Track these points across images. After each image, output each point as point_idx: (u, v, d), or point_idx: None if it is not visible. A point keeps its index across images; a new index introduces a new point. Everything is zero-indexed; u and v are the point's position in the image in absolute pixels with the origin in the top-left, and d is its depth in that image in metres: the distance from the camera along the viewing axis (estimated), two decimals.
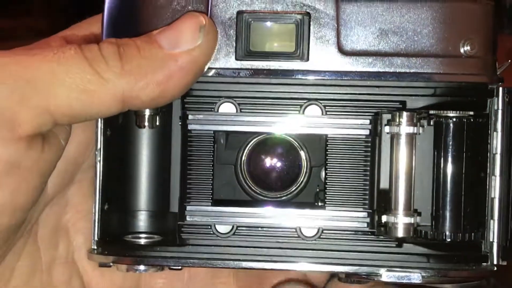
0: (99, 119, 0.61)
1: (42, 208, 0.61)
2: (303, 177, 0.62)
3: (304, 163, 0.62)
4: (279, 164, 0.62)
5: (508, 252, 0.61)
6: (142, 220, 0.62)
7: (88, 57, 0.54)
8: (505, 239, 0.61)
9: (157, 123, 0.60)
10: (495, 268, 0.60)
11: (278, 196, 0.62)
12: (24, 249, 0.60)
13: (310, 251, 0.60)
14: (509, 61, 0.61)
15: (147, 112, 0.60)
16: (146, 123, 0.60)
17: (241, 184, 0.62)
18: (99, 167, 0.61)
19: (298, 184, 0.62)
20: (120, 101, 0.55)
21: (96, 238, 0.61)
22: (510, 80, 0.61)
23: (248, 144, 0.62)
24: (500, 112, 0.60)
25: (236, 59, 0.59)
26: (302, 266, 0.60)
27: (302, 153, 0.61)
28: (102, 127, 0.61)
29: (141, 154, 0.62)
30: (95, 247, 0.61)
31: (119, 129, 0.61)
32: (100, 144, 0.61)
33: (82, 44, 0.55)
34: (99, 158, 0.61)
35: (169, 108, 0.61)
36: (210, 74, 0.58)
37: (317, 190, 0.62)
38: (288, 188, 0.62)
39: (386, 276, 0.59)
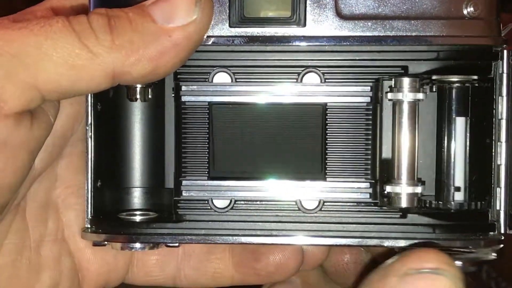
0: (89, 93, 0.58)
1: (30, 183, 0.59)
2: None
3: None
4: None
5: None
6: (137, 196, 0.60)
7: (76, 30, 0.52)
8: None
9: (150, 96, 0.58)
10: (503, 237, 0.58)
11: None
12: (12, 227, 0.58)
13: (311, 224, 0.58)
14: None
15: (139, 85, 0.57)
16: (138, 96, 0.58)
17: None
18: (90, 142, 0.59)
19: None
20: (110, 76, 0.52)
21: (89, 216, 0.59)
22: None
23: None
24: (505, 75, 0.58)
25: (230, 26, 0.56)
26: (303, 240, 0.58)
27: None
28: (92, 101, 0.58)
29: (134, 128, 0.60)
30: (89, 226, 0.59)
31: (110, 103, 0.59)
32: (90, 119, 0.59)
33: (70, 16, 0.53)
34: (90, 134, 0.59)
35: (161, 80, 0.58)
36: (204, 43, 0.56)
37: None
38: None
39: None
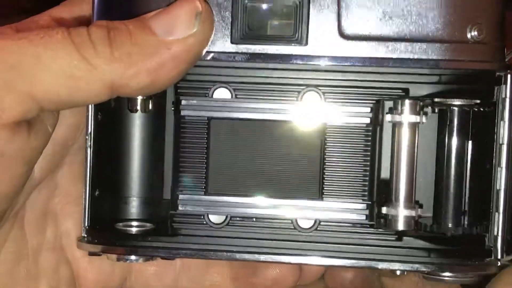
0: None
1: (30, 191, 0.59)
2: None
3: None
4: None
5: None
6: (134, 207, 0.60)
7: (76, 41, 0.52)
8: (510, 232, 0.58)
9: (150, 108, 0.58)
10: (499, 264, 0.58)
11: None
12: (10, 235, 0.58)
13: (307, 243, 0.57)
14: None
15: (140, 96, 0.57)
16: (139, 107, 0.58)
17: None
18: (90, 152, 0.59)
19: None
20: (108, 88, 0.52)
21: (86, 225, 0.59)
22: None
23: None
24: (508, 100, 0.57)
25: (232, 42, 0.56)
26: (298, 259, 0.58)
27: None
28: (93, 111, 0.58)
29: (133, 139, 0.59)
30: (85, 235, 0.59)
31: (111, 113, 0.59)
32: (90, 128, 0.59)
33: (71, 27, 0.53)
34: (89, 143, 0.59)
35: (163, 92, 0.58)
36: (205, 58, 0.56)
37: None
38: None
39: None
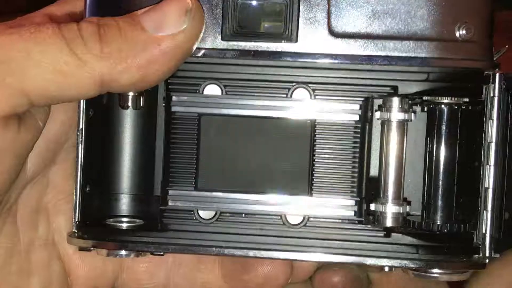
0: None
1: (22, 188, 0.59)
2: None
3: None
4: None
5: (501, 244, 0.59)
6: (125, 203, 0.60)
7: (66, 37, 0.52)
8: (498, 230, 0.59)
9: (141, 104, 0.58)
10: (487, 261, 0.58)
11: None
12: (3, 230, 0.58)
13: (295, 239, 0.58)
14: (506, 46, 0.58)
15: (131, 93, 0.58)
16: (130, 104, 0.58)
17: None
18: (81, 148, 0.59)
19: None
20: (98, 84, 0.53)
21: (76, 221, 0.59)
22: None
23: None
24: (496, 99, 0.58)
25: (223, 39, 0.57)
26: (287, 255, 0.58)
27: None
28: (84, 107, 0.59)
29: (124, 135, 0.60)
30: (75, 231, 0.60)
31: (102, 109, 0.59)
32: (82, 125, 0.59)
33: (62, 23, 0.53)
34: (80, 139, 0.59)
35: (154, 89, 0.59)
36: (195, 54, 0.56)
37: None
38: None
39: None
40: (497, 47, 0.58)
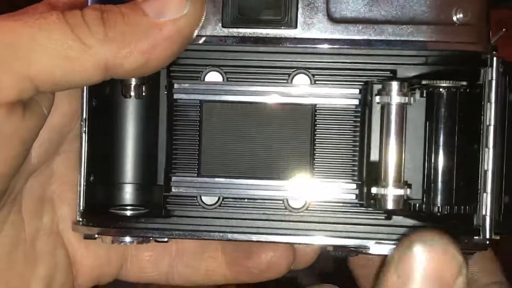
0: (85, 88, 0.60)
1: (27, 178, 0.60)
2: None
3: None
4: None
5: (501, 226, 0.59)
6: (128, 192, 0.60)
7: (70, 22, 0.53)
8: (498, 212, 0.59)
9: (144, 93, 0.59)
10: (488, 242, 0.59)
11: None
12: (8, 220, 0.59)
13: (297, 223, 0.58)
14: (504, 29, 0.59)
15: (133, 82, 0.58)
16: (132, 93, 0.59)
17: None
18: (84, 137, 0.60)
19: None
20: (102, 68, 0.54)
21: (81, 209, 0.60)
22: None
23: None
24: (494, 82, 0.58)
25: (223, 26, 0.57)
26: (289, 239, 0.59)
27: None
28: (87, 96, 0.60)
29: (127, 125, 0.60)
30: (80, 219, 0.60)
31: (105, 99, 0.60)
32: (85, 114, 0.60)
33: (65, 10, 0.54)
34: (84, 129, 0.60)
35: (156, 78, 0.59)
36: (196, 42, 0.57)
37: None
38: None
39: (374, 248, 0.57)
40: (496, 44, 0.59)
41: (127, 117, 0.60)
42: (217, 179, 0.59)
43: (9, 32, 0.52)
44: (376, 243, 0.58)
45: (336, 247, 0.60)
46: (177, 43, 0.54)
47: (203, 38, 0.57)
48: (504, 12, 0.60)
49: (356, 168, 0.59)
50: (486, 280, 0.63)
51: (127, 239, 0.59)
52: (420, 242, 0.49)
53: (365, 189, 0.58)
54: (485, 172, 0.58)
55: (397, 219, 0.58)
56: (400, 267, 0.49)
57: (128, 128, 0.60)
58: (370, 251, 0.58)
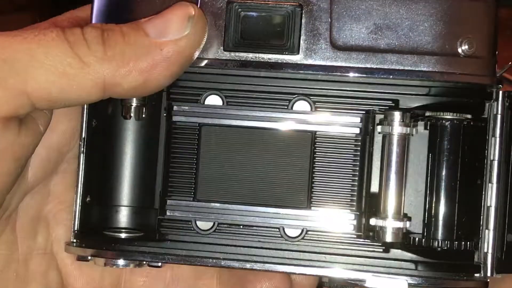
0: (85, 108, 0.59)
1: (23, 196, 0.59)
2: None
3: None
4: None
5: (504, 264, 0.58)
6: (124, 215, 0.60)
7: (70, 40, 0.53)
8: (500, 250, 0.58)
9: (144, 115, 0.59)
10: (488, 280, 0.57)
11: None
12: (1, 238, 0.58)
13: (293, 252, 0.57)
14: (510, 63, 0.58)
15: (134, 103, 0.58)
16: (132, 114, 0.58)
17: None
18: (82, 158, 0.60)
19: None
20: (101, 87, 0.53)
21: (75, 230, 0.59)
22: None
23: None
24: (499, 117, 0.57)
25: (225, 50, 0.57)
26: (284, 268, 0.57)
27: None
28: (87, 116, 0.59)
29: (126, 146, 0.60)
30: (74, 240, 0.59)
31: (105, 119, 0.60)
32: (84, 134, 0.59)
33: (67, 28, 0.54)
34: (82, 149, 0.59)
35: (157, 100, 0.59)
36: (197, 64, 0.57)
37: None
38: None
39: (371, 282, 0.56)
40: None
41: (126, 139, 0.60)
42: (213, 204, 0.58)
43: (7, 47, 0.52)
44: (373, 275, 0.56)
45: (331, 278, 0.58)
46: (177, 64, 0.54)
47: (204, 61, 0.57)
48: (504, 12, 0.59)
49: (355, 198, 0.57)
50: None
51: (121, 262, 0.59)
52: None
53: (363, 220, 0.57)
54: (488, 208, 0.57)
55: (395, 252, 0.57)
56: None
57: (127, 150, 0.60)
58: (366, 285, 0.56)
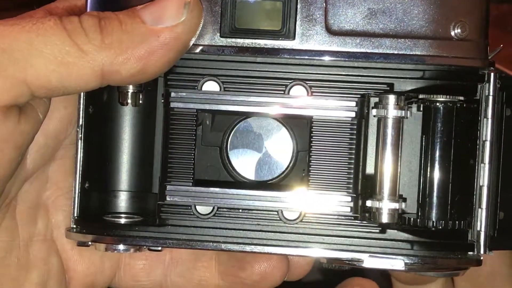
0: (81, 95, 0.60)
1: (22, 183, 0.60)
2: (289, 161, 0.60)
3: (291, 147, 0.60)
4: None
5: (496, 242, 0.59)
6: (123, 200, 0.60)
7: (67, 28, 0.53)
8: (493, 228, 0.59)
9: (141, 101, 0.59)
10: (482, 258, 0.58)
11: (263, 180, 0.61)
12: (2, 225, 0.59)
13: (292, 234, 0.58)
14: (501, 46, 0.59)
15: (130, 89, 0.59)
16: (129, 101, 0.59)
17: (226, 167, 0.61)
18: (80, 144, 0.60)
19: (284, 169, 0.61)
20: (99, 75, 0.54)
21: (75, 216, 0.60)
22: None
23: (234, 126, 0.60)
24: (491, 98, 0.58)
25: (221, 36, 0.58)
26: (283, 250, 0.58)
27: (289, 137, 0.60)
28: (84, 103, 0.60)
29: (123, 132, 0.60)
30: (74, 226, 0.60)
31: (102, 106, 0.60)
32: (81, 121, 0.60)
33: (63, 16, 0.54)
34: (80, 135, 0.60)
35: (154, 86, 0.59)
36: (194, 51, 0.57)
37: (303, 175, 0.60)
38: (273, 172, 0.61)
39: (368, 262, 0.57)
40: (495, 40, 0.59)
41: (124, 125, 0.60)
42: (211, 189, 0.59)
43: (6, 36, 0.52)
44: (370, 256, 0.57)
45: (329, 259, 0.59)
46: (174, 50, 0.54)
47: (201, 48, 0.57)
48: (505, 7, 0.60)
49: (351, 180, 0.58)
50: None
51: (121, 247, 0.59)
52: None
53: (360, 202, 0.58)
54: (481, 187, 0.58)
55: (391, 233, 0.58)
56: None
57: (124, 136, 0.60)
58: (364, 265, 0.58)
